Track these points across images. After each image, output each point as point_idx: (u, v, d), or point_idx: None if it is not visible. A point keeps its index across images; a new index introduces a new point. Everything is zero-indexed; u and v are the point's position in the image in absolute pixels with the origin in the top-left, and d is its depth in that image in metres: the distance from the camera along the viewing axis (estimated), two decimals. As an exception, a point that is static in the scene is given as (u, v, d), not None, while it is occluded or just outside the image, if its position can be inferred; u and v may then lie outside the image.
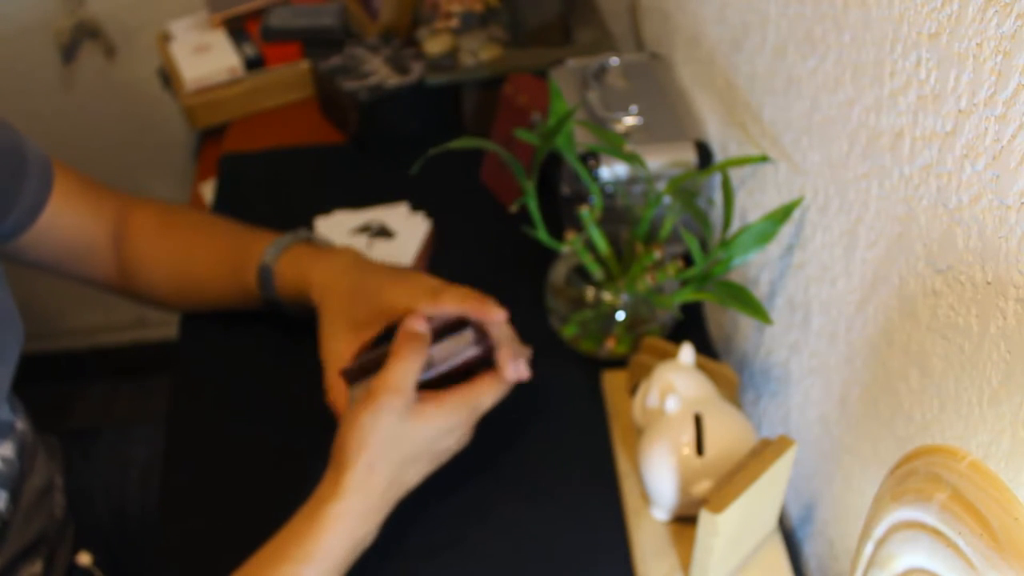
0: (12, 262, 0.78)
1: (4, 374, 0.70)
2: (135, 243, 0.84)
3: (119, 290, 0.87)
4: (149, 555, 0.75)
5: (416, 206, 1.00)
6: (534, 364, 0.70)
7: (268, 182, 1.06)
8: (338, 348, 0.72)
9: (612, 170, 0.84)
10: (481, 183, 1.04)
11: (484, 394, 0.68)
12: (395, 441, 0.64)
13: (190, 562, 0.73)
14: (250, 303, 0.83)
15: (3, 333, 0.70)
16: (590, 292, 0.80)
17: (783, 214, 0.71)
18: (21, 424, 0.76)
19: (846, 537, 0.68)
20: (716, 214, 0.88)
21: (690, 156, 0.84)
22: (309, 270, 0.77)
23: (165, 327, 1.77)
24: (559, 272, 0.83)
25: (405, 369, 0.65)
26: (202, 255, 0.84)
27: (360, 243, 0.94)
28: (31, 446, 0.78)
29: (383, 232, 0.95)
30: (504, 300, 0.72)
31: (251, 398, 0.84)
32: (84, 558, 0.80)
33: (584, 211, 0.78)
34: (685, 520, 0.72)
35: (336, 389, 0.71)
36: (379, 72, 1.08)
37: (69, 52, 1.47)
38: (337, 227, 0.96)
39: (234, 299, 0.84)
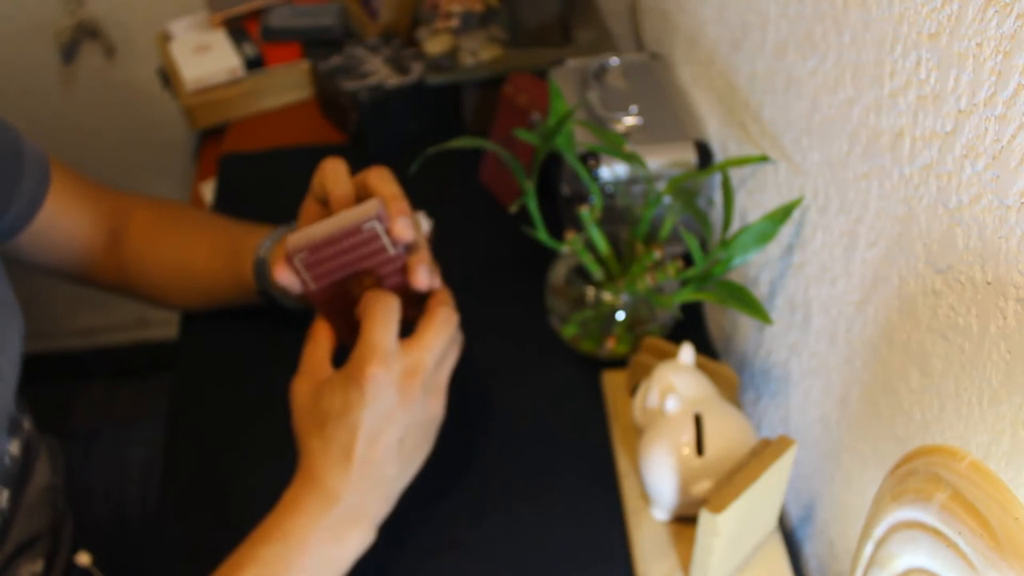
0: (11, 261, 0.78)
1: (6, 365, 0.70)
2: (134, 241, 0.84)
3: (117, 288, 0.87)
4: (149, 555, 0.75)
5: (416, 206, 1.00)
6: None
7: (268, 182, 1.06)
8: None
9: (612, 170, 0.84)
10: (481, 183, 1.04)
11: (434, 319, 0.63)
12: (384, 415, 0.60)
13: (190, 562, 0.72)
14: (248, 296, 0.83)
15: (3, 323, 0.70)
16: (590, 292, 0.80)
17: (783, 214, 0.71)
18: (27, 423, 0.77)
19: (846, 537, 0.68)
20: (716, 214, 0.88)
21: (690, 156, 0.84)
22: None
23: (165, 327, 1.77)
24: (559, 272, 0.83)
25: (383, 332, 0.60)
26: (200, 250, 0.84)
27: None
28: (36, 446, 0.78)
29: (383, 232, 0.95)
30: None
31: (251, 398, 0.84)
32: (83, 558, 0.80)
33: (584, 211, 0.78)
34: (685, 520, 0.72)
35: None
36: (379, 72, 1.08)
37: (69, 52, 1.47)
38: (337, 227, 0.96)
39: (231, 293, 0.84)
